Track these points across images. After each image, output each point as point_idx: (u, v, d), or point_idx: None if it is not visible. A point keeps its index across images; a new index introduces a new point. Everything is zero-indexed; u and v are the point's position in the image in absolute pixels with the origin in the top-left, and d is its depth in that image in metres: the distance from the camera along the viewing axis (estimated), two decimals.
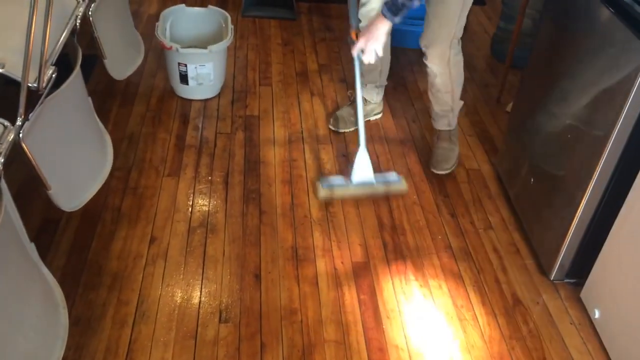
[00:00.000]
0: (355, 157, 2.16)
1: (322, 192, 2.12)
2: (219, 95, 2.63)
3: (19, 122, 1.23)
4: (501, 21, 3.00)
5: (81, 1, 1.64)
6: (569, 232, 1.79)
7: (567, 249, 1.83)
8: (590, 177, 1.68)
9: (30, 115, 1.30)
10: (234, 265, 1.86)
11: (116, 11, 2.05)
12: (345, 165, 2.31)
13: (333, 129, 2.49)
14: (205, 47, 2.44)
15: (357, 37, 2.02)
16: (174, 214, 2.02)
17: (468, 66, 3.00)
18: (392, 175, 2.22)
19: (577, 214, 1.75)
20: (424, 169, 2.33)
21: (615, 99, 1.57)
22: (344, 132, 2.47)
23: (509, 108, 2.63)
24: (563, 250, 1.83)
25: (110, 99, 2.52)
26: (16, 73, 1.27)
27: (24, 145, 1.29)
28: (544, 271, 1.94)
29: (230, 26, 2.58)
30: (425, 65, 2.20)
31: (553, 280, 1.91)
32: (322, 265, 1.89)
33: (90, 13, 1.74)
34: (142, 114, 2.46)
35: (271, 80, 2.78)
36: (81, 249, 1.85)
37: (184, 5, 2.69)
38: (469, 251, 2.01)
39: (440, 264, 1.95)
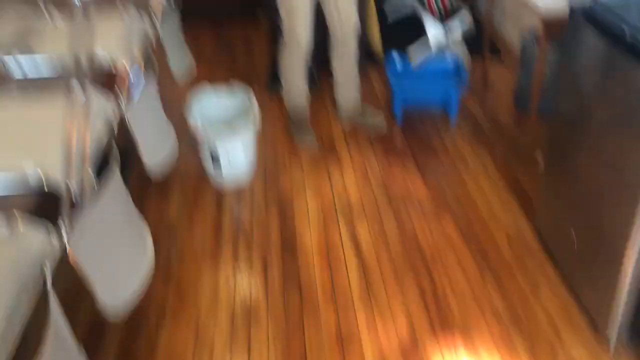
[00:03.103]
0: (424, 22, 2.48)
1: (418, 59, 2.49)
2: (251, 176, 2.67)
3: (63, 234, 1.26)
4: (521, 73, 3.01)
5: (119, 104, 1.70)
6: (622, 290, 1.72)
7: (625, 308, 1.75)
8: (631, 228, 1.63)
9: (74, 222, 1.33)
10: (280, 354, 1.83)
11: (150, 107, 2.13)
12: (380, 235, 2.29)
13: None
14: (233, 127, 2.50)
15: None
16: (216, 303, 2.01)
17: (494, 122, 3.01)
18: (458, 14, 2.52)
19: (627, 270, 1.68)
20: (463, 234, 2.30)
21: None
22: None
23: (540, 161, 2.60)
24: (619, 310, 1.75)
25: (147, 191, 2.58)
26: (58, 182, 1.32)
27: (71, 254, 1.31)
28: (601, 334, 1.85)
29: (256, 105, 2.65)
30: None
31: (613, 343, 1.82)
32: (367, 345, 1.85)
33: (125, 112, 1.81)
34: (178, 202, 2.51)
35: (299, 155, 2.82)
36: (129, 351, 1.85)
37: (210, 88, 2.77)
38: (518, 316, 1.94)
39: (489, 331, 1.89)
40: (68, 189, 1.29)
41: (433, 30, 2.43)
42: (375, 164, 2.73)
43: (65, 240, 1.30)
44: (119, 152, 1.69)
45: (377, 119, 3.02)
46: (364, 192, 2.55)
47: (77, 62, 1.04)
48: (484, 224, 2.35)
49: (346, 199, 2.51)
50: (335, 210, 2.45)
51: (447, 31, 2.45)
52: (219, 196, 2.55)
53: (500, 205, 2.44)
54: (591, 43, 1.79)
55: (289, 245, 2.26)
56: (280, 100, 3.23)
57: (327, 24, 2.80)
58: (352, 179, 2.64)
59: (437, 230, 2.32)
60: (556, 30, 2.34)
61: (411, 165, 2.70)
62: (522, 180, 2.59)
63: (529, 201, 2.46)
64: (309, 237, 2.30)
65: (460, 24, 2.47)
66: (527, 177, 2.61)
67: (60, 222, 1.29)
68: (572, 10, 1.88)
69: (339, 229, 2.34)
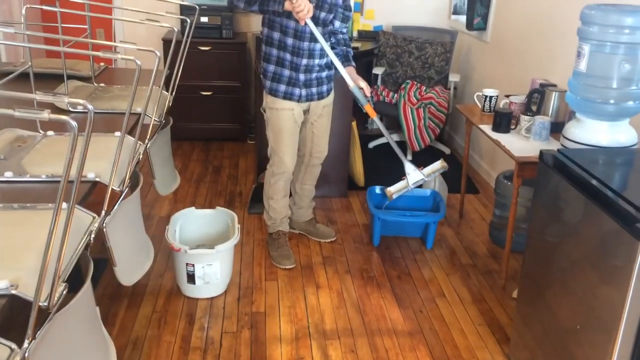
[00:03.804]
0: (405, 168, 2.75)
1: (394, 195, 2.79)
2: (225, 293, 2.65)
3: (26, 345, 1.24)
4: (496, 209, 3.13)
5: (96, 217, 1.74)
6: None
7: None
8: None
9: (38, 333, 1.31)
10: None
11: (129, 220, 2.16)
12: None
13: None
14: (212, 247, 2.53)
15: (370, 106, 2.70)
16: None
17: (470, 252, 3.07)
18: (436, 165, 2.78)
19: None
20: None
21: (616, 284, 1.58)
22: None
23: (515, 294, 2.62)
24: None
25: (117, 302, 2.54)
26: (29, 293, 1.31)
27: None
28: None
29: (237, 225, 2.70)
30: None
31: None
32: None
33: (104, 225, 1.84)
34: (148, 316, 2.46)
35: (277, 275, 2.82)
36: None
37: (193, 207, 2.84)
38: None
39: None
40: (37, 303, 1.28)
41: (412, 174, 2.74)
42: (352, 288, 2.73)
43: (27, 353, 1.27)
44: (93, 259, 1.69)
45: (327, 231, 3.18)
46: (338, 316, 2.52)
47: (65, 180, 1.10)
48: (458, 354, 2.31)
49: (320, 322, 2.48)
50: (309, 332, 2.41)
51: (423, 175, 2.75)
52: (190, 311, 2.51)
53: (474, 336, 2.42)
54: (560, 187, 1.90)
55: None
56: (260, 220, 3.30)
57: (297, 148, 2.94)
58: (327, 302, 2.62)
59: (411, 358, 2.28)
60: (529, 171, 2.48)
61: (387, 292, 2.71)
62: (497, 312, 2.59)
63: (504, 333, 2.44)
64: (280, 358, 2.25)
65: (437, 170, 2.77)
66: (502, 309, 2.62)
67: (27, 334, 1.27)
68: (541, 156, 2.02)
69: (312, 352, 2.29)
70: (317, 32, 2.52)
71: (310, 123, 2.86)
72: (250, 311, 2.54)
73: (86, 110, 1.13)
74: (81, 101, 1.14)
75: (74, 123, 1.04)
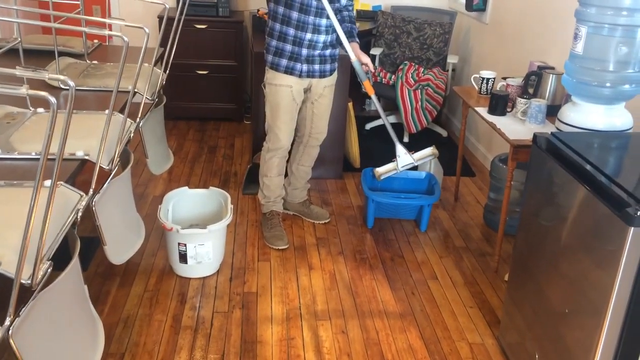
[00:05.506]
0: (395, 150, 2.79)
1: (382, 177, 2.83)
2: (217, 273, 2.66)
3: (7, 322, 1.23)
4: (491, 192, 3.12)
5: (84, 195, 1.72)
6: None
7: None
8: (595, 349, 1.62)
9: (21, 311, 1.30)
10: None
11: (119, 198, 2.15)
12: (344, 342, 2.25)
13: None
14: (205, 227, 2.52)
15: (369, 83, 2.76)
16: None
17: (463, 235, 3.07)
18: (427, 150, 2.82)
19: None
20: (427, 345, 2.26)
21: (606, 268, 1.57)
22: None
23: (506, 277, 2.62)
24: None
25: (109, 280, 2.55)
26: (12, 271, 1.30)
27: (12, 342, 1.27)
28: None
29: (230, 206, 2.69)
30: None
31: None
32: None
33: (93, 203, 1.83)
34: (139, 295, 2.46)
35: (270, 255, 2.82)
36: None
37: (186, 187, 2.83)
38: None
39: None
40: (19, 280, 1.28)
41: (402, 157, 2.77)
42: (344, 270, 2.73)
43: (10, 331, 1.27)
44: (85, 237, 1.68)
45: (321, 213, 3.17)
46: (330, 297, 2.53)
47: (47, 156, 1.08)
48: (448, 336, 2.32)
49: (312, 303, 2.48)
50: (300, 313, 2.41)
51: (413, 160, 2.79)
52: (182, 290, 2.51)
53: (465, 318, 2.43)
54: (553, 170, 1.88)
55: (249, 347, 2.20)
56: (254, 201, 3.29)
57: (296, 129, 2.93)
58: (320, 283, 2.63)
59: (401, 339, 2.28)
60: (524, 155, 2.47)
61: (380, 273, 2.71)
62: (489, 294, 2.60)
63: (495, 316, 2.45)
64: (270, 338, 2.25)
65: (427, 156, 2.78)
66: (494, 291, 2.62)
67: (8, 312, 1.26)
68: (535, 140, 2.00)
69: (302, 333, 2.29)
70: (326, 3, 2.50)
71: (311, 102, 2.84)
72: (242, 291, 2.54)
73: (74, 88, 1.11)
74: (62, 77, 1.12)
75: (52, 99, 1.02)
